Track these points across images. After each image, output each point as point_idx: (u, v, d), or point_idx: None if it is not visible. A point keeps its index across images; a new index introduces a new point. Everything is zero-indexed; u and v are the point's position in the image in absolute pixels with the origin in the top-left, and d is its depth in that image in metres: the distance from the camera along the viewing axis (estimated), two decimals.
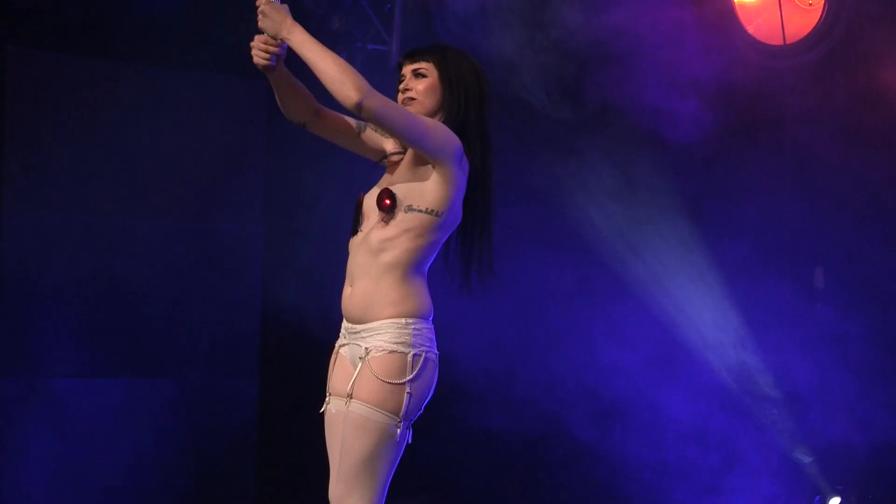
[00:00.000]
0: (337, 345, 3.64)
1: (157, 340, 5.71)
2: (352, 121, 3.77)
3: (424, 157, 3.54)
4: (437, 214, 3.52)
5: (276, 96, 3.69)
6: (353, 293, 3.55)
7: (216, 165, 5.69)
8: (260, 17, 3.50)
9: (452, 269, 3.69)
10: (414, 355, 3.47)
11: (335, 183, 5.25)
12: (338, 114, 3.79)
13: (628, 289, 5.68)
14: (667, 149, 5.57)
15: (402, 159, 3.68)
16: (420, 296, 3.54)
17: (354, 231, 3.62)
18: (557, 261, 5.76)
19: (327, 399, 3.61)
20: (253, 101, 5.80)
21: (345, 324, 3.60)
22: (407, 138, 3.49)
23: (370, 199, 3.61)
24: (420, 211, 3.51)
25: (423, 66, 3.65)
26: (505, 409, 5.80)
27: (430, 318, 3.57)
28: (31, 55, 5.48)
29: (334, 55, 3.43)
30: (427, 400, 3.53)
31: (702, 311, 5.59)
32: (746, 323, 5.54)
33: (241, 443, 5.89)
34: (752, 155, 5.63)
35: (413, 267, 3.53)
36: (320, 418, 3.63)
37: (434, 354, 3.55)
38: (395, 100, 3.64)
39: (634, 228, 5.69)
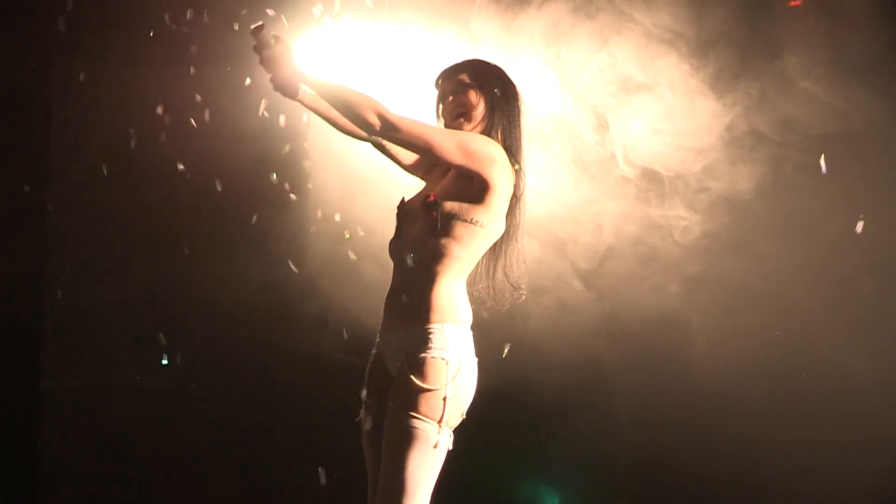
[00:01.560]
0: (374, 351, 3.66)
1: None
2: None
3: (468, 169, 3.55)
4: (481, 225, 3.55)
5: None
6: (394, 299, 3.59)
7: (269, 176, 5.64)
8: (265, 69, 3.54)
9: (486, 282, 3.74)
10: (453, 361, 3.47)
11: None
12: None
13: None
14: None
15: (446, 169, 3.70)
16: (460, 302, 3.56)
17: (397, 237, 3.65)
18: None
19: (363, 409, 3.63)
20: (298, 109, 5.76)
21: (384, 329, 3.62)
22: (441, 154, 3.51)
23: (413, 206, 3.66)
24: (464, 220, 3.53)
25: (462, 77, 3.70)
26: None
27: (469, 325, 3.58)
28: (77, 62, 5.50)
29: (345, 88, 3.45)
30: (467, 406, 3.53)
31: None
32: None
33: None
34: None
35: (454, 274, 3.55)
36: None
37: (473, 360, 3.56)
38: (437, 117, 3.75)
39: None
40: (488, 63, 3.79)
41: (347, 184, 5.70)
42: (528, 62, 5.33)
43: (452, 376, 3.46)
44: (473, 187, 3.55)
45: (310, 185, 5.77)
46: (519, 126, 3.71)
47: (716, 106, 5.38)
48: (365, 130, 3.46)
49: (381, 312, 3.66)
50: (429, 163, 3.85)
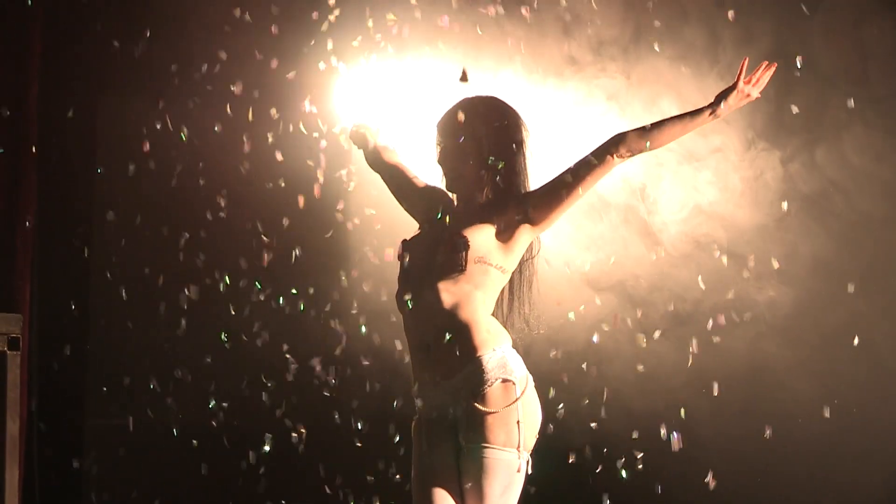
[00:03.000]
0: (420, 416, 3.54)
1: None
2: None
3: (509, 214, 3.52)
4: (503, 270, 3.50)
5: None
6: (425, 354, 3.48)
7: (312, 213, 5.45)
8: None
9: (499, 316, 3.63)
10: (516, 379, 3.42)
11: None
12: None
13: None
14: None
15: (463, 208, 3.61)
16: (495, 328, 3.48)
17: (406, 287, 3.52)
18: None
19: (416, 466, 3.51)
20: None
21: (423, 386, 3.51)
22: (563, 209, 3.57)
23: (426, 248, 3.54)
24: (488, 264, 3.46)
25: (457, 137, 3.58)
26: None
27: (511, 344, 3.50)
28: (123, 104, 5.51)
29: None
30: (539, 425, 3.48)
31: None
32: None
33: None
34: None
35: (480, 311, 3.46)
36: None
37: (530, 377, 3.49)
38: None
39: None
40: (480, 107, 3.63)
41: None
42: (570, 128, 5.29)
43: (521, 391, 3.39)
44: (506, 234, 3.50)
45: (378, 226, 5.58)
46: (522, 163, 3.62)
47: (779, 169, 5.38)
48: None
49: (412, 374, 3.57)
50: (428, 205, 3.73)
